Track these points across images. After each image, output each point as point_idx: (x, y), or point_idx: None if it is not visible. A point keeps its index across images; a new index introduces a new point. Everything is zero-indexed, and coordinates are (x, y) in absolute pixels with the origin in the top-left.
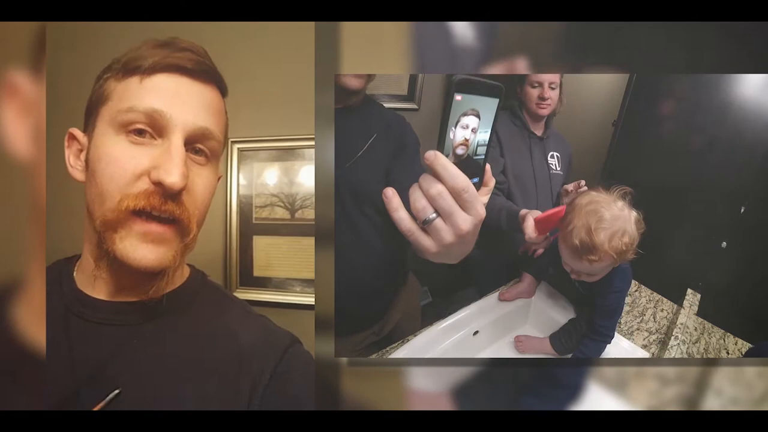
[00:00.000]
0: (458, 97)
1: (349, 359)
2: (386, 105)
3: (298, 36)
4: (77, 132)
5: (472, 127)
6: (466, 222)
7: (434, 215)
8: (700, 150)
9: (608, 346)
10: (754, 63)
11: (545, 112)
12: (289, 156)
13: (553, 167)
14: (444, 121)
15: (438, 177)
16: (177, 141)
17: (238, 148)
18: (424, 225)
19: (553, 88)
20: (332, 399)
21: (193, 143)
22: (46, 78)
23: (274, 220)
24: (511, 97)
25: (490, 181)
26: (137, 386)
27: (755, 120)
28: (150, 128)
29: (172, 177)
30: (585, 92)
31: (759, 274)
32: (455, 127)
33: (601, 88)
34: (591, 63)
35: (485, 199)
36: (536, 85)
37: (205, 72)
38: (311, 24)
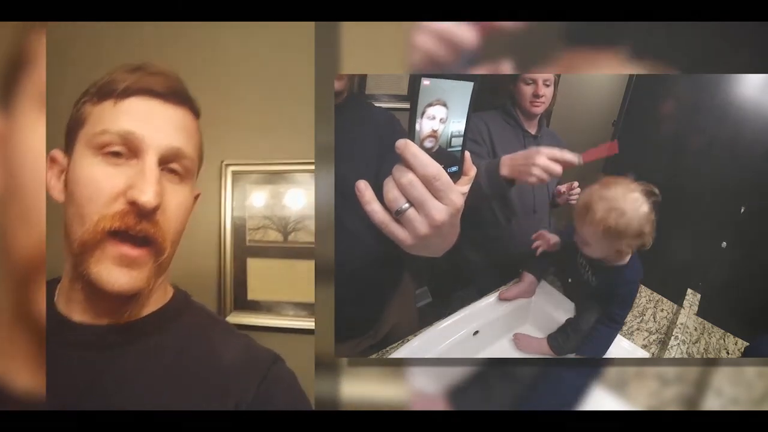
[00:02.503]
0: (426, 81)
1: (349, 359)
2: (386, 105)
3: (297, 39)
4: (58, 154)
5: (440, 117)
6: (440, 212)
7: (406, 205)
8: (700, 150)
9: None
10: (754, 63)
11: (539, 110)
12: (282, 180)
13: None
14: (413, 110)
15: (409, 166)
16: (150, 161)
17: (232, 171)
18: (397, 216)
19: (547, 85)
20: (332, 399)
21: (167, 163)
22: (45, 99)
23: (267, 242)
24: (504, 95)
25: (471, 170)
26: (120, 407)
27: (755, 120)
28: (125, 149)
29: (146, 195)
30: (585, 92)
31: (759, 274)
32: (421, 119)
33: (601, 88)
34: (590, 63)
35: (464, 188)
36: (530, 82)
37: (176, 95)
38: (311, 23)
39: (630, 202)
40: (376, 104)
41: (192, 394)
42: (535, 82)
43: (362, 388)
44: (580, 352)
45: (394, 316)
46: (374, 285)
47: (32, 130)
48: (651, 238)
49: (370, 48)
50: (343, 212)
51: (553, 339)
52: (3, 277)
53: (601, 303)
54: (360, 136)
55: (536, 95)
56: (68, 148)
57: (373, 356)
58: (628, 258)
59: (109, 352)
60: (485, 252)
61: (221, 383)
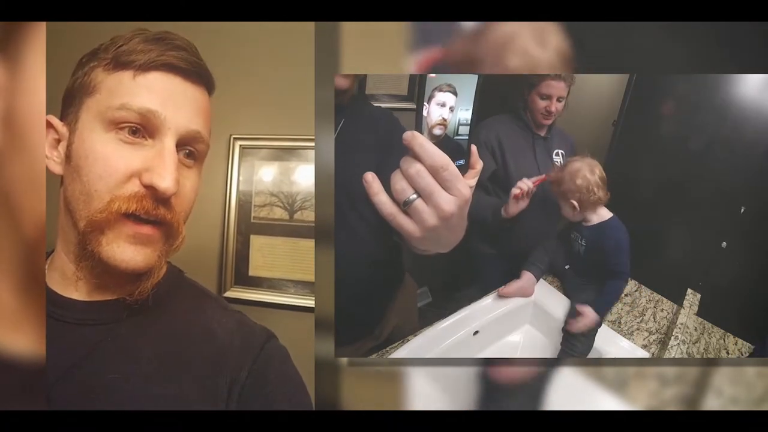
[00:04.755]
0: (432, 75)
1: (349, 359)
2: (386, 105)
3: (300, 35)
4: (54, 120)
5: (450, 105)
6: (448, 203)
7: (414, 196)
8: (700, 150)
9: (608, 346)
10: (754, 63)
11: (548, 122)
12: (291, 156)
13: (558, 165)
14: (419, 99)
15: (416, 157)
16: (170, 144)
17: (240, 145)
18: (405, 207)
19: (560, 101)
20: (332, 399)
21: (184, 146)
22: (45, 66)
23: (273, 220)
24: (516, 99)
25: (477, 163)
26: (113, 386)
27: (755, 120)
28: (142, 128)
29: (166, 182)
30: (585, 92)
31: (759, 274)
32: (429, 104)
33: (601, 88)
34: (591, 63)
35: (472, 182)
36: (545, 97)
37: (197, 73)
38: (311, 24)
39: (569, 166)
40: (375, 104)
41: (185, 370)
42: (549, 98)
43: (362, 388)
44: (596, 306)
45: (396, 317)
46: (376, 285)
47: (35, 84)
48: (592, 189)
49: (370, 48)
50: (345, 211)
51: (563, 355)
52: (9, 241)
53: (594, 268)
54: (361, 137)
55: (548, 111)
56: (68, 115)
57: (373, 356)
58: (605, 213)
59: (102, 328)
60: (496, 252)
61: (215, 359)
